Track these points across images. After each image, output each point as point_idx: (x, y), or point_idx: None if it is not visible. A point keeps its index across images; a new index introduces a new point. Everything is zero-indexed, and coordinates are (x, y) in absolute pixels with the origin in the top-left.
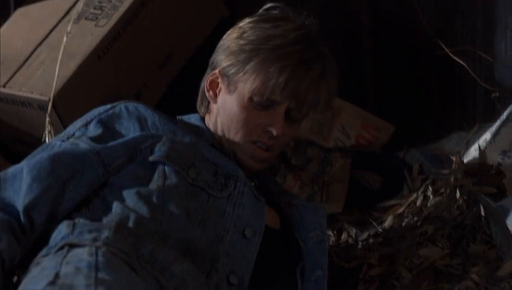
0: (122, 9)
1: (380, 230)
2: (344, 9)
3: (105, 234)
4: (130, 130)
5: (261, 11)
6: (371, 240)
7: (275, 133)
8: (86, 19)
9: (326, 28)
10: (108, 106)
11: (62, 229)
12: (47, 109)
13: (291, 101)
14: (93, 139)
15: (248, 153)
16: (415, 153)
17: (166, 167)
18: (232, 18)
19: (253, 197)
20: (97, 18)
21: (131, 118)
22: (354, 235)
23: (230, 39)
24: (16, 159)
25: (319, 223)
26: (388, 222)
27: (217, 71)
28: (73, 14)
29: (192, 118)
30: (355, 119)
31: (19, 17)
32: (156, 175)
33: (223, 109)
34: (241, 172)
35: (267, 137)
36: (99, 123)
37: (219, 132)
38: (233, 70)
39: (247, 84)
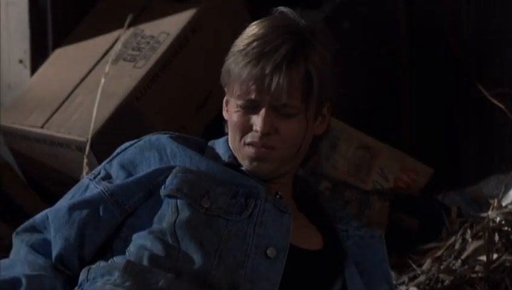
0: (160, 50)
1: (419, 273)
2: (383, 49)
3: (115, 275)
4: (150, 162)
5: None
6: (409, 283)
7: (258, 129)
8: (124, 60)
9: (364, 67)
10: (136, 140)
11: (81, 276)
12: (85, 150)
13: (266, 96)
14: (112, 178)
15: (247, 157)
16: (454, 195)
17: (178, 201)
18: None
19: (276, 212)
20: (135, 59)
21: (152, 149)
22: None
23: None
24: (53, 199)
25: (384, 273)
26: (427, 265)
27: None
28: (112, 55)
29: (220, 141)
30: (393, 161)
31: (58, 57)
32: (169, 210)
33: (228, 121)
34: (261, 187)
35: (257, 136)
36: (123, 157)
37: (231, 146)
38: (224, 81)
39: (230, 91)
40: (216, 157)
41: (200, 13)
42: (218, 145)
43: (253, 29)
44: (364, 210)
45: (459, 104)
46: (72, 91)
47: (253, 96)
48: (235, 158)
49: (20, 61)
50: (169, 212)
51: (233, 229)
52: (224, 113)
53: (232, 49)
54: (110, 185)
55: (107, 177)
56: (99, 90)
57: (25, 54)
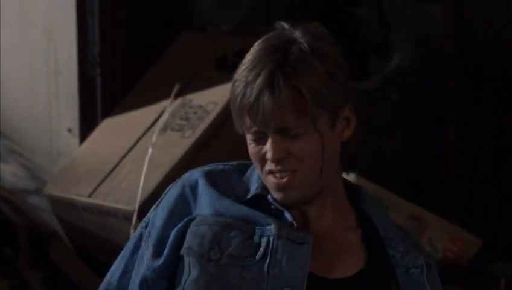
0: (208, 120)
1: None
2: (431, 120)
3: None
4: (182, 210)
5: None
6: None
7: (270, 157)
8: (172, 130)
9: (412, 138)
10: (176, 182)
11: None
12: (131, 219)
13: (264, 124)
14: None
15: (272, 186)
16: (502, 266)
17: (190, 259)
18: None
19: (292, 245)
20: (183, 129)
21: (189, 196)
22: None
23: None
24: (100, 268)
25: None
26: None
27: None
28: (160, 125)
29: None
30: (442, 232)
31: (106, 127)
32: (184, 271)
33: None
34: (274, 222)
35: (273, 165)
36: (166, 205)
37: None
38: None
39: (237, 126)
40: (245, 189)
41: None
42: (253, 179)
43: (246, 56)
44: None
45: (508, 170)
46: (120, 160)
47: (255, 127)
48: (264, 188)
49: (69, 130)
50: (183, 273)
51: (248, 275)
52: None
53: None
54: (152, 262)
55: (151, 226)
56: (147, 160)
57: (74, 123)
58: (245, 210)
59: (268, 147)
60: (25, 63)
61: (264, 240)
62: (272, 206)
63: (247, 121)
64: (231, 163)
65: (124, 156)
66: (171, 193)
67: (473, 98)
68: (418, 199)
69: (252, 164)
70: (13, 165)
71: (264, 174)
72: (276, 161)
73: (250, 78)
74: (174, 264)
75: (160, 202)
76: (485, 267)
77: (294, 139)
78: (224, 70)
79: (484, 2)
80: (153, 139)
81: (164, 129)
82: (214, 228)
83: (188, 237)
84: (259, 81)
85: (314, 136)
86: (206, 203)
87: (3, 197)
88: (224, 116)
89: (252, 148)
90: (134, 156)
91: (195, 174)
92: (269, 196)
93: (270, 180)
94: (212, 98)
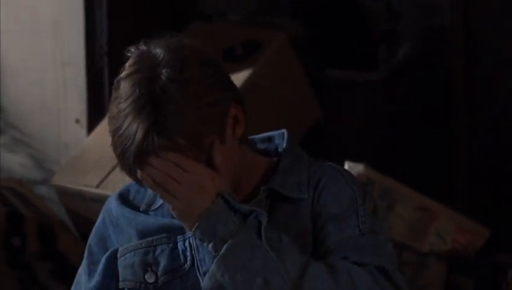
0: None
1: None
2: (439, 109)
3: None
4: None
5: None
6: None
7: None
8: None
9: (420, 128)
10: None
11: None
12: None
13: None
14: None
15: None
16: (510, 257)
17: None
18: None
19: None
20: None
21: (108, 223)
22: None
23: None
24: None
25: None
26: None
27: None
28: None
29: None
30: (450, 222)
31: None
32: None
33: None
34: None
35: None
36: (97, 229)
37: None
38: None
39: None
40: (154, 195)
41: (256, 73)
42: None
43: (118, 92)
44: (422, 272)
45: None
46: None
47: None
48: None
49: (77, 121)
50: None
51: (189, 284)
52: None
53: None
54: (88, 283)
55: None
56: None
57: (82, 113)
58: (161, 221)
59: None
60: (33, 54)
61: (187, 244)
62: None
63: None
64: None
65: None
66: (100, 217)
67: (481, 87)
68: (426, 189)
69: None
70: (21, 156)
71: None
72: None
73: (118, 150)
74: (107, 287)
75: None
76: (492, 258)
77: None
78: (232, 60)
79: None
80: None
81: None
82: (139, 252)
83: (120, 270)
84: (134, 146)
85: (209, 165)
86: (125, 224)
87: (11, 187)
88: None
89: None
90: None
91: (112, 198)
92: None
93: None
94: None
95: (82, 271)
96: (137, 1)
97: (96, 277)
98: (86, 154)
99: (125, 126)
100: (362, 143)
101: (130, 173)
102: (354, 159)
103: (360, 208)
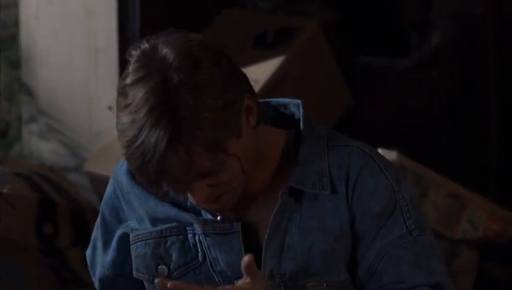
0: None
1: None
2: (471, 97)
3: None
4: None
5: (127, 67)
6: None
7: (196, 203)
8: None
9: (452, 115)
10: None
11: None
12: None
13: (179, 187)
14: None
15: (204, 208)
16: None
17: (145, 283)
18: None
19: (221, 239)
20: None
21: (120, 195)
22: None
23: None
24: None
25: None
26: None
27: None
28: None
29: None
30: (482, 210)
31: None
32: None
33: None
34: (196, 220)
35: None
36: (108, 198)
37: None
38: None
39: None
40: None
41: (288, 61)
42: None
43: (125, 110)
44: (453, 259)
45: None
46: None
47: (161, 190)
48: None
49: (109, 108)
50: None
51: (203, 277)
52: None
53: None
54: (104, 256)
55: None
56: None
57: (114, 101)
58: (169, 210)
59: (194, 196)
60: (65, 41)
61: (197, 239)
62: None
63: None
64: None
65: None
66: (109, 183)
67: None
68: (458, 177)
69: None
70: (53, 143)
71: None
72: (204, 201)
73: (140, 161)
74: (122, 263)
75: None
76: None
77: (213, 176)
78: (263, 47)
79: None
80: None
81: None
82: (150, 243)
83: (133, 258)
84: (156, 158)
85: (230, 161)
86: (137, 204)
87: (43, 175)
88: (265, 94)
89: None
90: None
91: (121, 170)
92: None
93: (203, 207)
94: (253, 76)
95: (98, 237)
96: None
97: (112, 252)
98: (117, 142)
99: (142, 137)
100: (394, 130)
101: (151, 185)
102: (386, 146)
103: (400, 197)
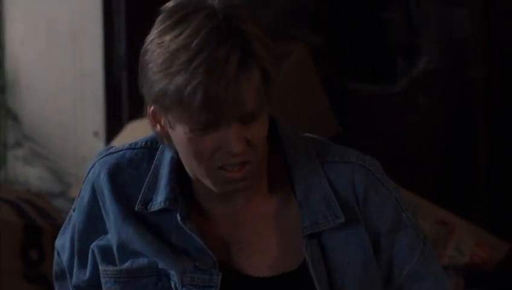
0: None
1: None
2: (459, 122)
3: None
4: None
5: (160, 17)
6: None
7: (233, 150)
8: None
9: (440, 140)
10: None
11: None
12: None
13: (226, 111)
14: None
15: (222, 182)
16: None
17: None
18: None
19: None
20: None
21: (99, 201)
22: None
23: (144, 66)
24: None
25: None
26: None
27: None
28: None
29: (165, 164)
30: (470, 236)
31: (132, 130)
32: None
33: (179, 146)
34: (174, 268)
35: (230, 157)
36: (82, 206)
37: (190, 174)
38: (158, 103)
39: (173, 114)
40: (152, 190)
41: None
42: (163, 170)
43: (180, 40)
44: None
45: None
46: None
47: (211, 116)
48: (172, 199)
49: (95, 134)
50: None
51: None
52: (158, 127)
53: (159, 67)
54: (79, 274)
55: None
56: None
57: (100, 126)
58: (146, 246)
59: (229, 138)
60: (51, 66)
61: (173, 285)
62: (178, 225)
63: (200, 108)
64: (141, 142)
65: None
66: (85, 190)
67: (502, 100)
68: (446, 202)
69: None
70: (39, 169)
71: (209, 171)
72: (240, 153)
73: (214, 63)
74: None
75: (79, 194)
76: (511, 272)
77: (250, 125)
78: None
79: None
80: None
81: None
82: (120, 281)
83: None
84: (229, 65)
85: (265, 116)
86: (112, 221)
87: (28, 200)
88: None
89: (194, 143)
90: None
91: (101, 174)
92: (178, 215)
93: (222, 175)
94: None
95: (66, 246)
96: (157, 14)
97: (89, 269)
98: None
99: (208, 51)
100: (382, 156)
101: (201, 109)
102: None
103: (404, 207)
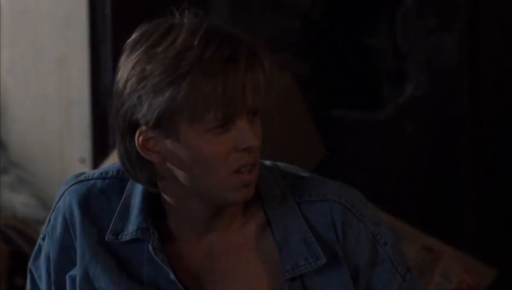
0: None
1: None
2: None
3: None
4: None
5: (129, 45)
6: None
7: (251, 144)
8: None
9: (427, 167)
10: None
11: None
12: None
13: (241, 106)
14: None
15: (235, 187)
16: None
17: None
18: None
19: None
20: None
21: (71, 231)
22: None
23: (131, 85)
24: None
25: None
26: None
27: (143, 127)
28: None
29: (137, 193)
30: (457, 263)
31: (117, 158)
32: None
33: (193, 158)
34: None
35: (247, 155)
36: (56, 236)
37: (206, 187)
38: (165, 114)
39: (188, 119)
40: (124, 220)
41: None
42: (134, 200)
43: (172, 46)
44: None
45: None
46: None
47: (230, 111)
48: (143, 229)
49: (81, 161)
50: None
51: None
52: (153, 156)
53: (161, 76)
54: None
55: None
56: None
57: (86, 152)
58: (116, 278)
59: (244, 132)
60: (37, 93)
61: None
62: (150, 256)
63: (216, 105)
64: (113, 171)
65: None
66: (56, 220)
67: (489, 128)
68: (433, 229)
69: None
70: (25, 195)
71: (224, 176)
72: (257, 146)
73: (225, 56)
74: None
75: (49, 222)
76: None
77: (254, 123)
78: None
79: (499, 32)
80: None
81: None
82: None
83: None
84: (241, 59)
85: (258, 118)
86: (80, 252)
87: (14, 227)
88: None
89: (211, 145)
90: None
91: (72, 204)
92: (150, 245)
93: (237, 179)
94: None
95: (45, 283)
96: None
97: None
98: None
99: (214, 46)
100: (368, 182)
101: (225, 88)
102: None
103: (382, 242)
